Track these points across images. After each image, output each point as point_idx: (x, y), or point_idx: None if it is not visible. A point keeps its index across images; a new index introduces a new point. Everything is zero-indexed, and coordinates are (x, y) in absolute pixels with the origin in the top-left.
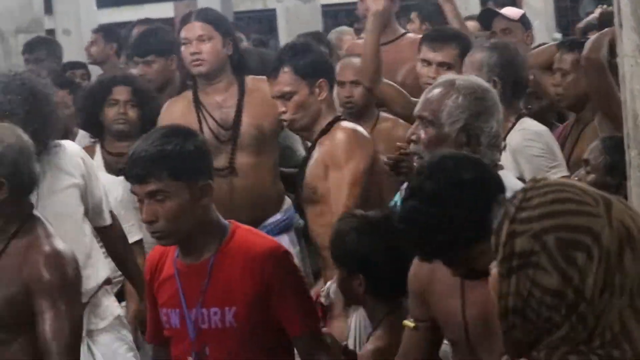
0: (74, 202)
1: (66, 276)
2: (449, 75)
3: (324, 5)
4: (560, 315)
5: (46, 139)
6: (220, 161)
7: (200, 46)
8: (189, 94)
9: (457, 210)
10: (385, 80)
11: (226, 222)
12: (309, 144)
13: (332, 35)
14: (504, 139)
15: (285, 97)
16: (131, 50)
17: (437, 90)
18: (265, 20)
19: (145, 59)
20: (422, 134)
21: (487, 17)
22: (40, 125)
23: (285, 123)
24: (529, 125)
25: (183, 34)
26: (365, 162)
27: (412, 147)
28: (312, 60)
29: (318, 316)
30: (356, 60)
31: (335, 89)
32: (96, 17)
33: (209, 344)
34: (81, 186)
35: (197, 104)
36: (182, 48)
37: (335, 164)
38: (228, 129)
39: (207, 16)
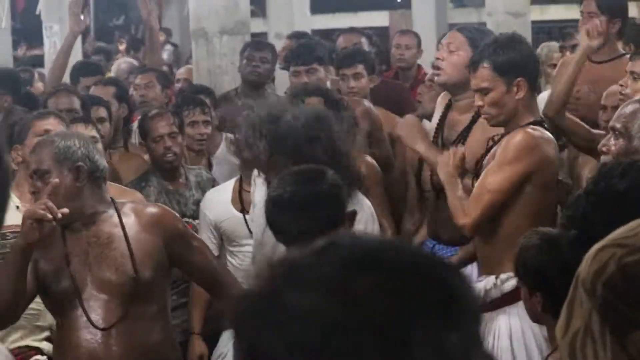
0: None
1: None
2: None
3: (534, 22)
4: None
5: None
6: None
7: (444, 54)
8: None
9: None
10: (568, 115)
11: None
12: None
13: (543, 51)
14: None
15: (482, 92)
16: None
17: (631, 105)
18: None
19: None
20: (612, 146)
21: None
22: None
23: (483, 117)
24: None
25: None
26: (529, 167)
27: (602, 157)
28: (512, 57)
29: None
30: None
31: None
32: (310, 22)
33: None
34: None
35: (444, 116)
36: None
37: (498, 159)
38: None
39: (467, 31)
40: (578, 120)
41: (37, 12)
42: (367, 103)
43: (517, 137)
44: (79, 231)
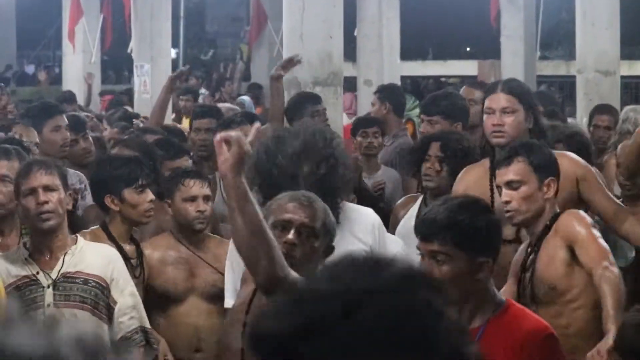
0: None
1: None
2: None
3: (624, 77)
4: None
5: (337, 200)
6: (507, 231)
7: (503, 118)
8: (487, 162)
9: None
10: None
11: (503, 298)
12: None
13: (629, 114)
14: None
15: (512, 185)
16: (421, 107)
17: None
18: (567, 87)
19: (430, 119)
20: None
21: None
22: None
23: (508, 214)
24: None
25: (487, 103)
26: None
27: None
28: (546, 157)
29: None
30: None
31: None
32: (399, 69)
33: None
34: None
35: (493, 173)
36: (485, 117)
37: (578, 239)
38: None
39: (513, 88)
40: None
41: (128, 51)
42: None
43: (570, 218)
44: None
